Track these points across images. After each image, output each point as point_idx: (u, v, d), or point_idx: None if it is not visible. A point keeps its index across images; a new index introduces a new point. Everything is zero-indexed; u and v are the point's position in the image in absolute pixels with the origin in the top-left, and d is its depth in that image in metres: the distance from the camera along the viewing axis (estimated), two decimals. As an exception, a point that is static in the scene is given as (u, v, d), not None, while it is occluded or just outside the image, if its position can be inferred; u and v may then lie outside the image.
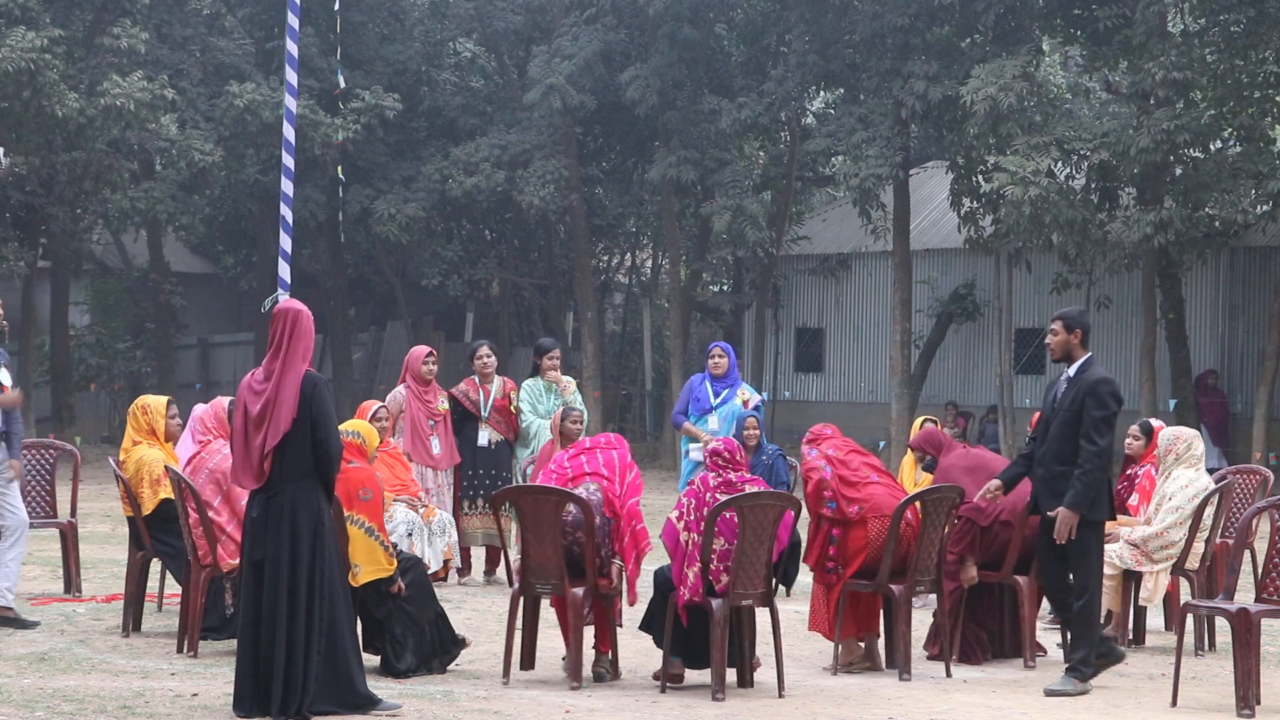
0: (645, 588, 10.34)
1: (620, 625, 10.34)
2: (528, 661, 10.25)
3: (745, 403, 14.64)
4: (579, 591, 9.98)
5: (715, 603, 9.87)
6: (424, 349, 14.95)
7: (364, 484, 10.17)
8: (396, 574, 10.18)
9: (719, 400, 14.74)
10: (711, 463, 10.21)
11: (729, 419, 14.55)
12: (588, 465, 10.26)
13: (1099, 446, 10.10)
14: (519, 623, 10.24)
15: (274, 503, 8.78)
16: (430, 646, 10.31)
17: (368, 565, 10.05)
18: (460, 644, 10.51)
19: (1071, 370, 10.33)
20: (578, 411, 13.98)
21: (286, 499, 8.76)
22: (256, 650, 8.72)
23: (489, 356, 15.04)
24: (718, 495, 9.98)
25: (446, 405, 14.73)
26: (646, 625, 10.39)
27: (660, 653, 10.13)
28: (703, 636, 9.97)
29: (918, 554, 10.60)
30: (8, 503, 12.18)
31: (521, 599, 10.20)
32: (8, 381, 12.29)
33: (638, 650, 10.72)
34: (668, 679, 10.05)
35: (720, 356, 14.85)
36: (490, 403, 14.91)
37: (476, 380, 15.02)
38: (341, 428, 10.24)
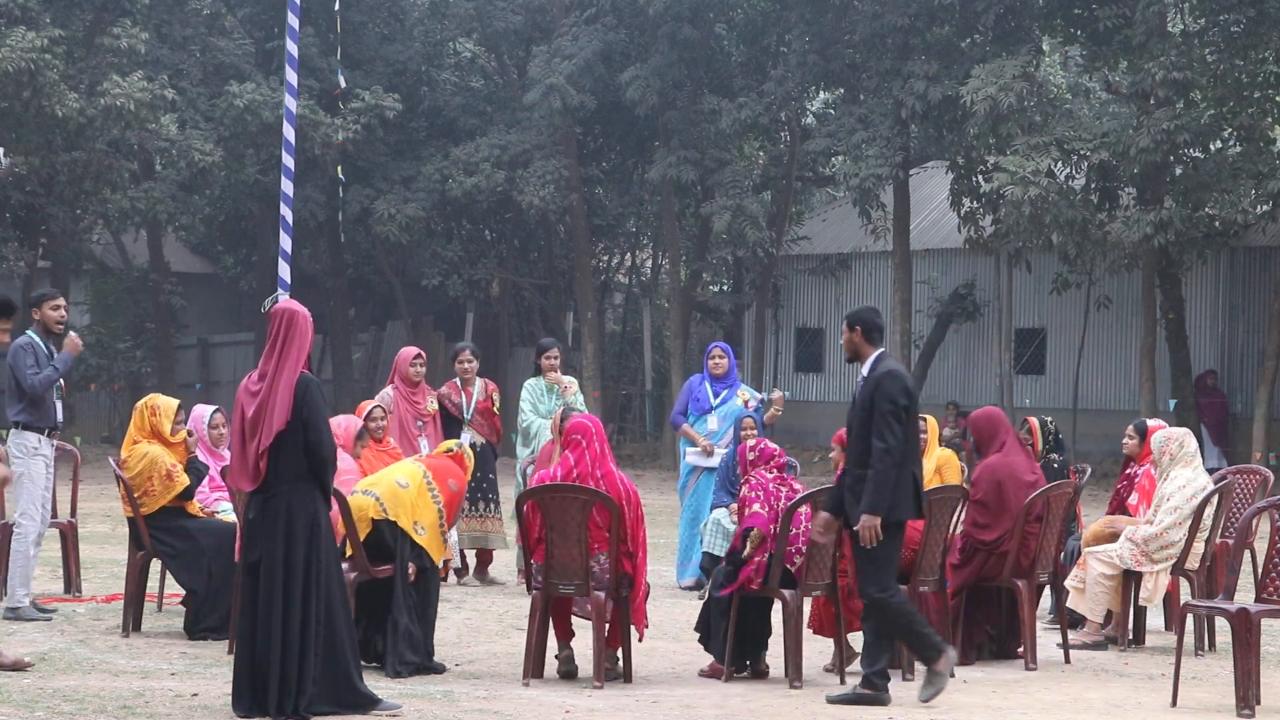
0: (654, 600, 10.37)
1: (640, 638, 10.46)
2: (537, 669, 10.21)
3: (746, 403, 14.64)
4: (601, 594, 10.03)
5: (789, 593, 10.16)
6: (412, 350, 14.87)
7: (458, 478, 10.73)
8: (426, 560, 10.37)
9: (718, 400, 14.73)
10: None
11: (728, 419, 14.54)
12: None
13: (888, 444, 9.67)
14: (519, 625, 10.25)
15: (270, 504, 8.79)
16: (424, 654, 10.37)
17: (431, 533, 10.41)
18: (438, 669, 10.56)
19: (865, 369, 9.95)
20: (578, 412, 13.96)
21: (282, 501, 8.76)
22: (254, 650, 8.73)
23: (470, 361, 15.03)
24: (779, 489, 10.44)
25: (435, 406, 14.70)
26: (702, 627, 10.59)
27: (673, 651, 10.14)
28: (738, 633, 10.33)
29: (922, 554, 10.60)
30: (33, 502, 12.31)
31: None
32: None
33: (638, 650, 10.71)
34: (713, 675, 10.34)
35: (720, 357, 14.85)
36: (473, 405, 14.91)
37: (458, 383, 15.00)
38: (463, 444, 11.08)
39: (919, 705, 9.65)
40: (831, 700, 9.61)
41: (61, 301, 12.49)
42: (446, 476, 10.62)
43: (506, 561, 15.23)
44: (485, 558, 14.95)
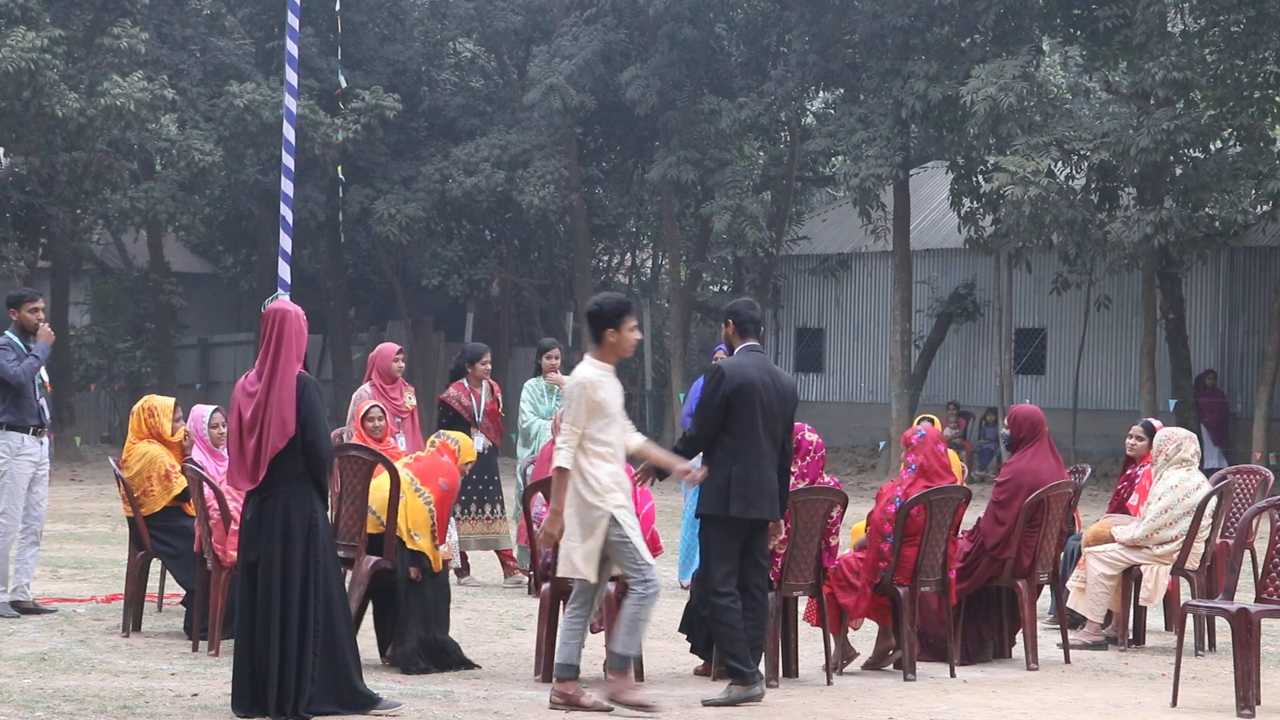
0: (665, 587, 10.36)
1: None
2: (549, 666, 10.08)
3: None
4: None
5: (769, 595, 10.07)
6: (394, 346, 14.78)
7: (449, 474, 10.69)
8: (427, 563, 10.42)
9: None
10: None
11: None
12: None
13: (689, 432, 9.85)
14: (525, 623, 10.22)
15: (267, 504, 8.79)
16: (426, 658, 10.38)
17: (425, 536, 10.45)
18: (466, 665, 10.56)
19: None
20: (578, 412, 13.96)
21: (279, 501, 8.77)
22: (253, 651, 8.73)
23: (489, 364, 15.08)
24: None
25: (414, 402, 14.68)
26: (686, 627, 10.50)
27: (673, 651, 10.14)
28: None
29: (923, 554, 10.59)
30: (37, 501, 12.38)
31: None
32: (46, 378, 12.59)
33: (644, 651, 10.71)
34: (716, 676, 10.17)
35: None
36: (482, 408, 14.92)
37: (467, 384, 14.99)
38: (448, 433, 11.13)
39: (919, 704, 9.66)
40: (707, 703, 9.52)
41: (40, 304, 12.55)
42: (435, 476, 10.63)
43: (495, 564, 15.28)
44: (506, 558, 14.87)
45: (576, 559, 9.15)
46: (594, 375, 9.23)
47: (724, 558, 9.65)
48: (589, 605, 9.25)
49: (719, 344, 15.73)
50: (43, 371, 12.53)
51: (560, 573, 9.31)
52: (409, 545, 10.40)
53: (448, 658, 10.42)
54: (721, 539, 9.67)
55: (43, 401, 12.45)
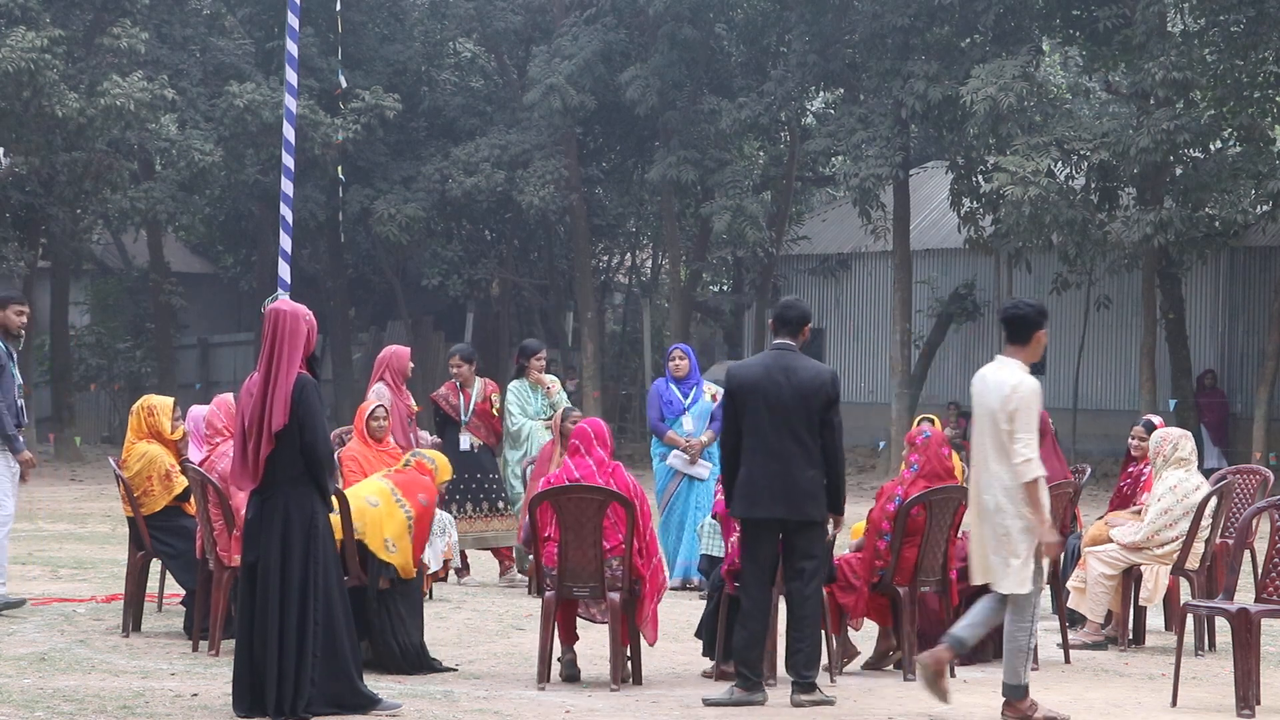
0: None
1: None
2: (549, 672, 10.12)
3: (714, 397, 14.66)
4: (615, 596, 9.98)
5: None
6: (407, 349, 14.83)
7: (428, 491, 10.63)
8: (394, 572, 10.33)
9: (689, 400, 14.78)
10: None
11: (702, 416, 14.66)
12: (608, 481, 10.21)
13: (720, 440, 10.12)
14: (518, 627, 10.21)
15: (267, 505, 8.79)
16: (403, 663, 10.36)
17: (401, 549, 10.35)
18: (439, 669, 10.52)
19: None
20: (578, 412, 14.03)
21: (280, 501, 8.77)
22: (252, 651, 8.73)
23: (458, 365, 15.08)
24: None
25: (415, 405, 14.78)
26: (701, 631, 10.57)
27: (673, 652, 10.13)
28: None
29: (923, 554, 10.59)
30: (4, 494, 12.39)
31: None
32: (18, 378, 12.52)
33: (643, 651, 10.71)
34: (719, 677, 10.17)
35: (681, 359, 14.90)
36: (471, 408, 14.92)
37: (457, 385, 15.01)
38: (424, 452, 11.04)
39: (919, 704, 9.66)
40: (708, 702, 9.52)
41: (26, 309, 12.67)
42: (416, 491, 10.56)
43: (494, 565, 15.28)
44: (504, 556, 14.88)
45: (1018, 572, 9.09)
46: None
47: (748, 558, 9.70)
48: (1036, 618, 9.24)
49: (674, 344, 15.87)
50: (18, 373, 12.54)
51: (976, 580, 9.29)
52: (383, 557, 10.28)
53: (420, 664, 10.38)
54: (745, 540, 9.73)
55: (22, 402, 12.44)
